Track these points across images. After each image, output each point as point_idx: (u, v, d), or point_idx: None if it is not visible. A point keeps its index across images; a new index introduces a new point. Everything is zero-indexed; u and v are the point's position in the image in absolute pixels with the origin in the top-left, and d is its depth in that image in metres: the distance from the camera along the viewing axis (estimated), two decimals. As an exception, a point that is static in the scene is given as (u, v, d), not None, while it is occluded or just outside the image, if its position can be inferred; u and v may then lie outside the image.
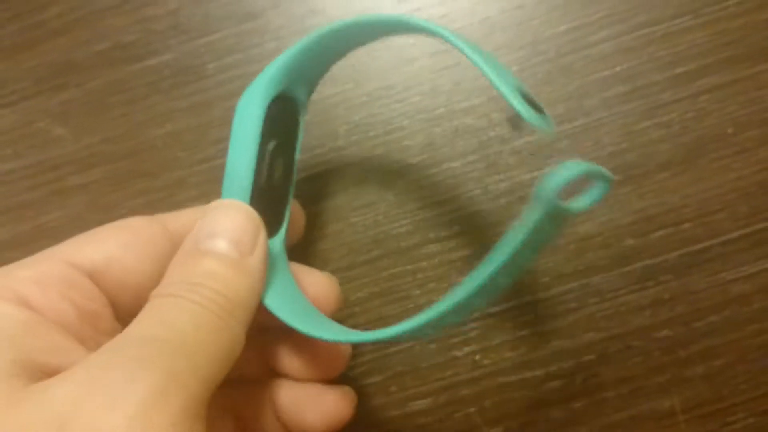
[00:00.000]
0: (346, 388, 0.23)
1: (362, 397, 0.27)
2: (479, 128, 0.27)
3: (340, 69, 0.28)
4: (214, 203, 0.21)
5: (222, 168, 0.22)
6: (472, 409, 0.26)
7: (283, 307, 0.21)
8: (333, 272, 0.27)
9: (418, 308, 0.27)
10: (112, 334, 0.20)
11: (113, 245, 0.21)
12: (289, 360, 0.23)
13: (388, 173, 0.27)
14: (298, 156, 0.24)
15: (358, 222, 0.28)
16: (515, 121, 0.25)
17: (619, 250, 0.26)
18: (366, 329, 0.27)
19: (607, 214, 0.27)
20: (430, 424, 0.26)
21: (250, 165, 0.22)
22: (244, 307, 0.19)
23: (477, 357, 0.27)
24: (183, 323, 0.18)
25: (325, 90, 0.28)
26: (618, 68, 0.27)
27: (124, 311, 0.21)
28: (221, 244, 0.20)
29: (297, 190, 0.27)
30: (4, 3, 0.30)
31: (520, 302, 0.27)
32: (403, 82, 0.28)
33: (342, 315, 0.27)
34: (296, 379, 0.23)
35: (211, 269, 0.19)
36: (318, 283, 0.24)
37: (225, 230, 0.20)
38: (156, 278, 0.21)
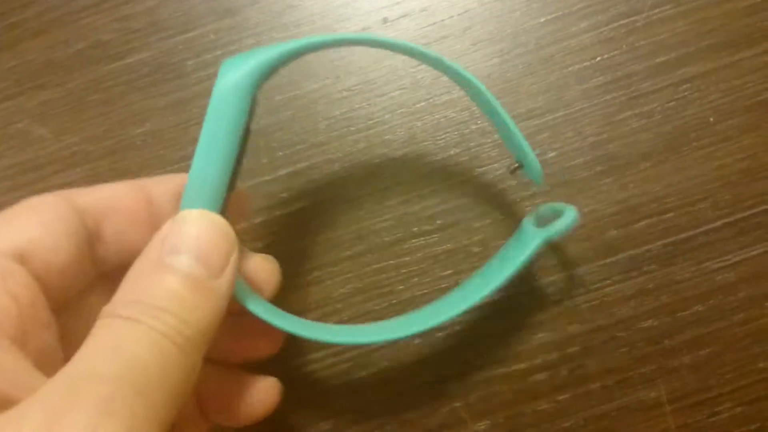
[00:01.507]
0: (273, 379, 0.23)
1: (347, 392, 0.26)
2: (461, 121, 0.27)
3: (319, 64, 0.28)
4: (184, 214, 0.19)
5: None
6: (458, 404, 0.26)
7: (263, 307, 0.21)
8: (316, 268, 0.27)
9: (402, 303, 0.27)
10: (50, 326, 0.19)
11: (32, 226, 0.19)
12: (224, 340, 0.22)
13: (369, 168, 0.27)
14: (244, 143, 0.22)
15: (340, 217, 0.27)
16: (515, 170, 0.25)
17: (603, 241, 0.26)
18: (351, 324, 0.27)
19: (590, 205, 0.26)
20: (416, 419, 0.26)
21: (229, 164, 0.20)
22: (206, 335, 0.18)
23: (462, 351, 0.26)
24: (146, 359, 0.16)
25: (305, 86, 0.28)
26: (598, 58, 0.27)
27: (53, 296, 0.20)
28: (187, 261, 0.18)
29: (280, 187, 0.27)
30: (-17, 4, 0.30)
31: (505, 295, 0.26)
32: (383, 77, 0.28)
33: (326, 311, 0.27)
34: (227, 362, 0.23)
35: (175, 290, 0.18)
36: (258, 266, 0.23)
37: (193, 246, 0.18)
38: (76, 257, 0.20)
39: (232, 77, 0.20)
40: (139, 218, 0.21)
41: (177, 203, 0.20)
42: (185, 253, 0.18)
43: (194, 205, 0.19)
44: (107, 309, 0.18)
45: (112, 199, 0.21)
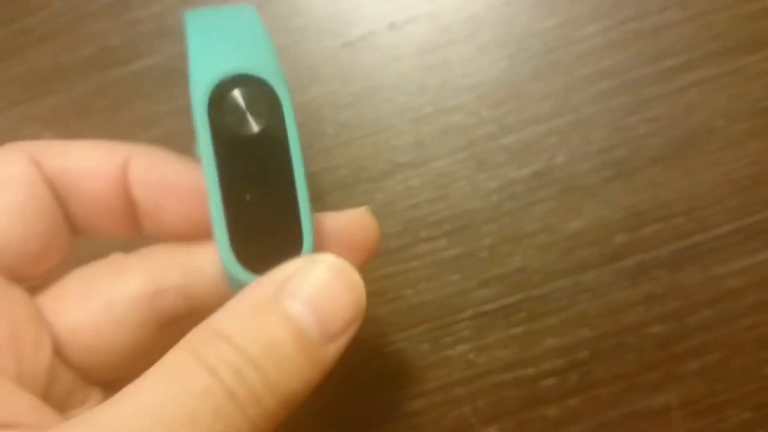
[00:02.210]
0: None
1: (355, 398, 0.26)
2: (468, 126, 0.27)
3: (326, 69, 0.28)
4: (321, 259, 0.16)
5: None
6: (467, 409, 0.26)
7: None
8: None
9: (411, 308, 0.27)
10: (39, 341, 0.17)
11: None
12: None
13: (376, 173, 0.27)
14: None
15: (347, 223, 0.27)
16: None
17: (610, 246, 0.26)
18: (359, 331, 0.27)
19: (598, 211, 0.26)
20: (424, 424, 0.26)
21: None
22: (287, 409, 0.15)
23: (470, 356, 0.26)
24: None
25: (311, 90, 0.28)
26: (605, 63, 0.27)
27: (26, 281, 0.18)
28: (305, 314, 0.15)
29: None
30: (-10, 10, 0.30)
31: (513, 300, 0.26)
32: (390, 81, 0.28)
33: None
34: None
35: (278, 341, 0.15)
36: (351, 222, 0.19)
37: (318, 301, 0.16)
38: (51, 240, 0.18)
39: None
40: (109, 204, 0.19)
41: (154, 190, 0.19)
42: (306, 301, 0.16)
43: (313, 243, 0.17)
44: (193, 334, 0.15)
45: (82, 174, 0.18)
